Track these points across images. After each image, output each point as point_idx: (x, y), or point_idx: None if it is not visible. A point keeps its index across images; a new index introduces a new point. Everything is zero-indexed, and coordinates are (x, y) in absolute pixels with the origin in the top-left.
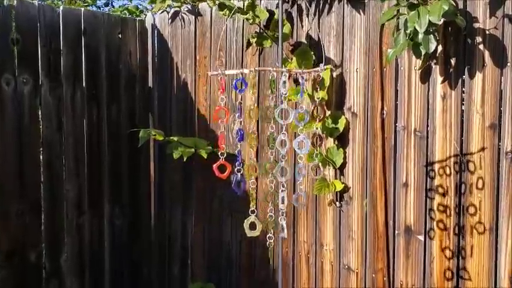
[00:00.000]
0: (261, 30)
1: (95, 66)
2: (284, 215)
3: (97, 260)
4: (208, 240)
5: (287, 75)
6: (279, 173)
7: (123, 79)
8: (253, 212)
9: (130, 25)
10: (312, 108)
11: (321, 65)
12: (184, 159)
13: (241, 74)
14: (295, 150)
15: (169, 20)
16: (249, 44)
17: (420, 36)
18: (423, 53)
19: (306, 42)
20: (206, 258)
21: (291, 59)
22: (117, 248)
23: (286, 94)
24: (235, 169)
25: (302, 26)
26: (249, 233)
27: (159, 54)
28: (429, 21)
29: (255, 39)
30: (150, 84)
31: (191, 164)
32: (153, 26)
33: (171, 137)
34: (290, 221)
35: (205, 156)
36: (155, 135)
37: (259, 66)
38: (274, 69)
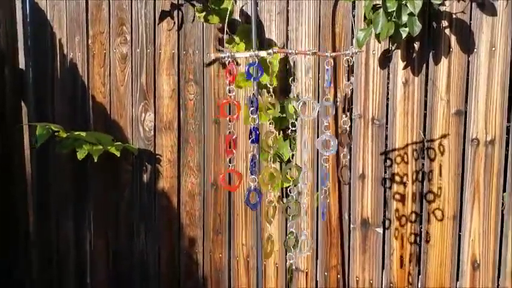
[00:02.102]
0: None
1: None
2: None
3: None
4: (114, 252)
5: (308, 58)
6: (301, 179)
7: None
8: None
9: None
10: (342, 99)
11: (351, 47)
12: (95, 159)
13: (256, 57)
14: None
15: None
16: (162, 17)
17: (405, 18)
18: (404, 36)
19: (239, 20)
20: (112, 274)
21: (233, 40)
22: None
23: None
24: (250, 178)
25: (235, 1)
26: (267, 256)
27: (34, 28)
28: (428, 1)
29: (203, 13)
30: (22, 65)
31: (84, 163)
32: None
33: (77, 132)
34: (225, 223)
35: (118, 154)
36: (58, 131)
37: (178, 45)
38: (296, 51)
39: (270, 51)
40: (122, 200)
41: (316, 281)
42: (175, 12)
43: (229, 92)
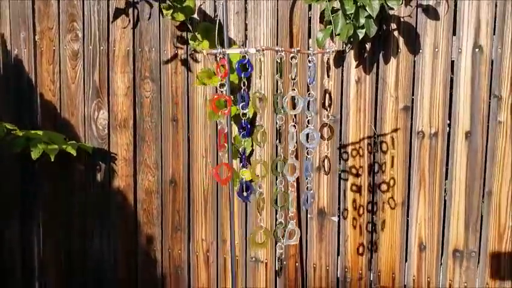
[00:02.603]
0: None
1: None
2: (293, 219)
3: None
4: (67, 256)
5: (297, 57)
6: (287, 171)
7: None
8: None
9: None
10: (323, 95)
11: (332, 45)
12: (52, 159)
13: (246, 53)
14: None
15: None
16: (117, 15)
17: (362, 20)
18: (361, 37)
19: (198, 18)
20: (65, 279)
21: (196, 37)
22: None
23: (295, 79)
24: (241, 171)
25: None
26: (255, 247)
27: None
28: (382, 5)
29: (170, 11)
30: None
31: (33, 163)
32: None
33: (34, 131)
34: (184, 219)
35: (74, 152)
36: (15, 130)
37: (134, 42)
38: (283, 49)
39: (259, 48)
40: (75, 200)
41: (276, 270)
42: (131, 10)
43: (220, 87)
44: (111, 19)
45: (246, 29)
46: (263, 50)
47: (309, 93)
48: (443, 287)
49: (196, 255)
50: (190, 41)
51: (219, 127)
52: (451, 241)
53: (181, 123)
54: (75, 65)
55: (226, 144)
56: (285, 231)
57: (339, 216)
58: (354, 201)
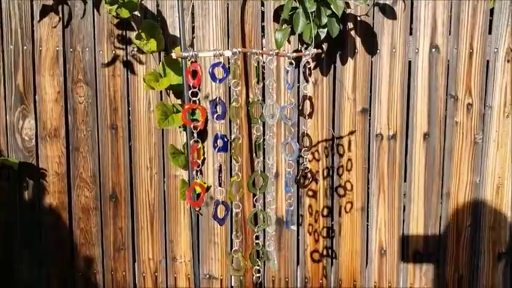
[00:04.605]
0: None
1: None
2: (272, 240)
3: None
4: None
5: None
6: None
7: None
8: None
9: None
10: (301, 102)
11: (311, 48)
12: None
13: (221, 56)
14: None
15: None
16: (44, 12)
17: (324, 19)
18: (323, 37)
19: (139, 15)
20: None
21: (140, 36)
22: None
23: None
24: (217, 190)
25: None
26: (234, 273)
27: None
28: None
29: (115, 6)
30: None
31: None
32: None
33: None
34: (127, 238)
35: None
36: None
37: (64, 41)
38: (260, 51)
39: (235, 50)
40: None
41: (232, 287)
42: (60, 6)
43: (193, 96)
44: (35, 14)
45: (193, 27)
46: (240, 53)
47: (290, 101)
48: None
49: (143, 276)
50: (135, 40)
51: (190, 142)
52: (411, 244)
53: (122, 131)
54: None
55: (199, 161)
56: (262, 253)
57: (298, 224)
58: (312, 207)
